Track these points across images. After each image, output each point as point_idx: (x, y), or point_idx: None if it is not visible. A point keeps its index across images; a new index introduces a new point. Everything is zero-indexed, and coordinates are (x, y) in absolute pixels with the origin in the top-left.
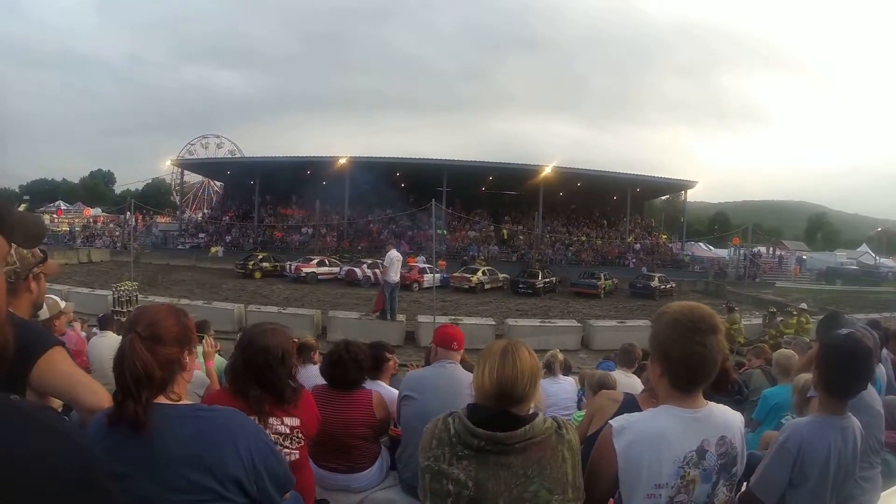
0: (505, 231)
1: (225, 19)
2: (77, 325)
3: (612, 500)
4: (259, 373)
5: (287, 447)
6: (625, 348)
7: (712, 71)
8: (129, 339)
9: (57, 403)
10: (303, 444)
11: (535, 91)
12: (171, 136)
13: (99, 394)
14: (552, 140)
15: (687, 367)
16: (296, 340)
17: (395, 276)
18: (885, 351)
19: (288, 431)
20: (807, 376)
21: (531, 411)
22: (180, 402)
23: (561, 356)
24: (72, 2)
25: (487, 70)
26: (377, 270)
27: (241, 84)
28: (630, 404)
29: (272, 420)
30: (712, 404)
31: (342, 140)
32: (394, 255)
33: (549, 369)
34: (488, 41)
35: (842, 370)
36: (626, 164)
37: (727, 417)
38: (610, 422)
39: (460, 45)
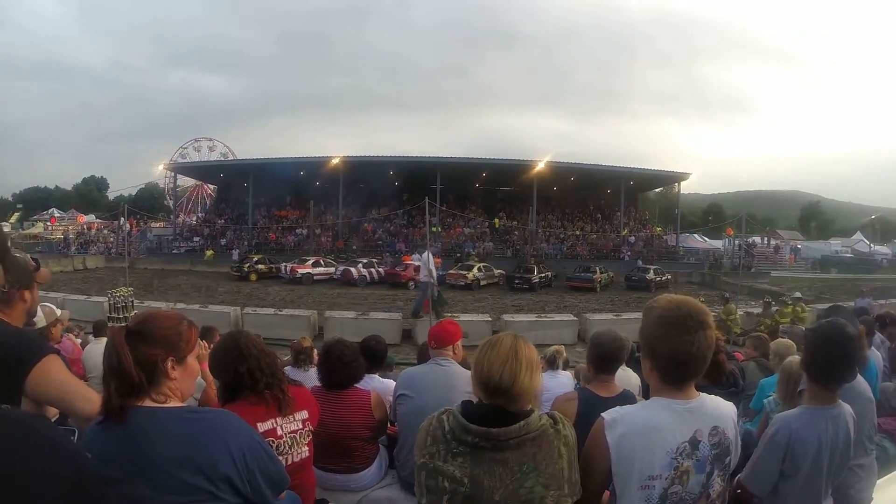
0: (497, 220)
1: (205, 24)
2: (72, 335)
3: (607, 492)
4: (251, 377)
5: (300, 443)
6: None
7: (694, 61)
8: (113, 329)
9: (52, 412)
10: (310, 438)
11: (518, 86)
12: (162, 140)
13: (94, 402)
14: (539, 135)
15: (675, 364)
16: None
17: (423, 276)
18: (879, 336)
19: (300, 426)
20: (791, 359)
21: (528, 407)
22: (168, 405)
23: (565, 353)
24: (52, 11)
25: (468, 66)
26: (373, 270)
27: (226, 87)
28: (587, 396)
29: (285, 419)
30: (704, 395)
31: (332, 141)
32: (421, 256)
33: (552, 364)
34: (466, 37)
35: (826, 357)
36: (615, 157)
37: (719, 408)
38: (602, 415)
39: (439, 41)
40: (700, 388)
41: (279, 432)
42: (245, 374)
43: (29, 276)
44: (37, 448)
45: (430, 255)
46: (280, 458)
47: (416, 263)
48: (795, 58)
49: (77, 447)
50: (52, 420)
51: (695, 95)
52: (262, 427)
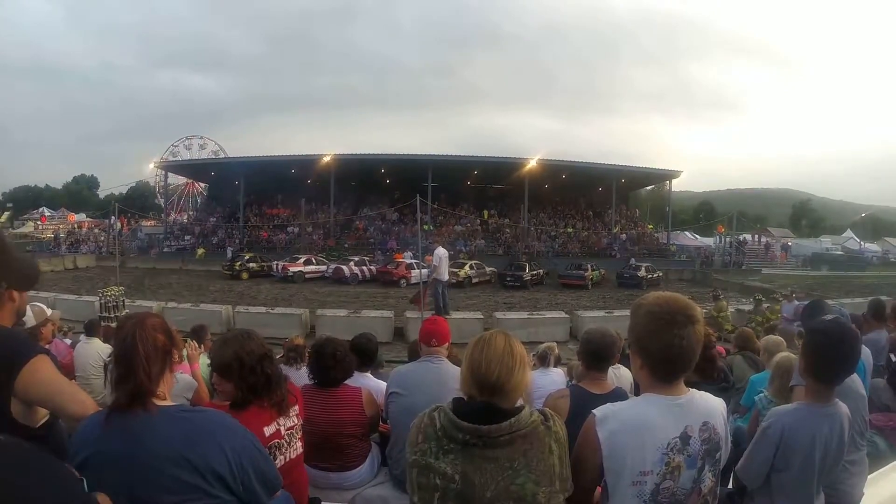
0: (486, 213)
1: (192, 23)
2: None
3: (599, 488)
4: (254, 380)
5: (295, 438)
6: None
7: (679, 60)
8: (135, 323)
9: (42, 412)
10: (301, 432)
11: (505, 85)
12: (152, 140)
13: (84, 402)
14: (528, 133)
15: (665, 360)
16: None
17: (444, 273)
18: (884, 332)
19: (296, 421)
20: (784, 355)
21: (519, 404)
22: (165, 404)
23: (557, 350)
24: (40, 9)
25: (455, 66)
26: (364, 268)
27: (215, 87)
28: (579, 393)
29: (286, 418)
30: (694, 391)
31: (323, 139)
32: (442, 252)
33: (543, 361)
34: (451, 37)
35: (829, 356)
36: (606, 155)
37: (709, 403)
38: (593, 411)
39: (425, 42)
40: (691, 384)
41: (282, 432)
42: (266, 377)
43: (26, 281)
44: (37, 481)
45: (446, 252)
46: (280, 456)
47: (408, 260)
48: (786, 57)
49: (77, 482)
50: (44, 421)
51: (684, 94)
52: (269, 431)
